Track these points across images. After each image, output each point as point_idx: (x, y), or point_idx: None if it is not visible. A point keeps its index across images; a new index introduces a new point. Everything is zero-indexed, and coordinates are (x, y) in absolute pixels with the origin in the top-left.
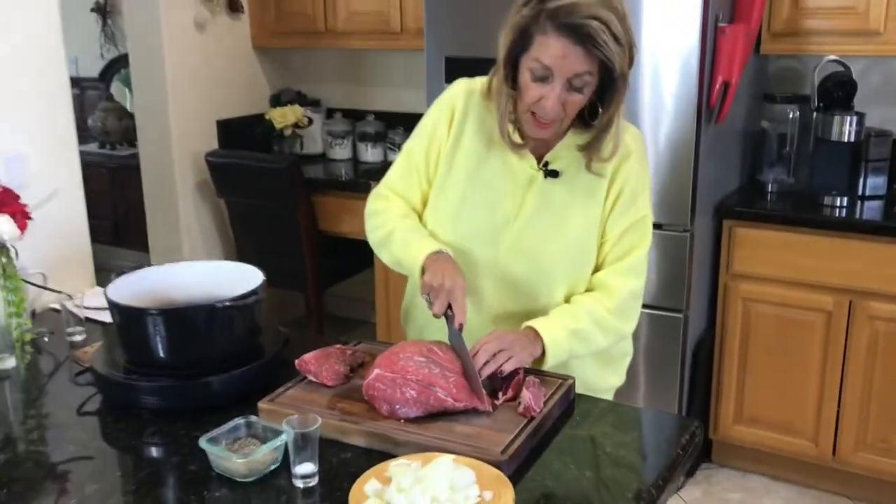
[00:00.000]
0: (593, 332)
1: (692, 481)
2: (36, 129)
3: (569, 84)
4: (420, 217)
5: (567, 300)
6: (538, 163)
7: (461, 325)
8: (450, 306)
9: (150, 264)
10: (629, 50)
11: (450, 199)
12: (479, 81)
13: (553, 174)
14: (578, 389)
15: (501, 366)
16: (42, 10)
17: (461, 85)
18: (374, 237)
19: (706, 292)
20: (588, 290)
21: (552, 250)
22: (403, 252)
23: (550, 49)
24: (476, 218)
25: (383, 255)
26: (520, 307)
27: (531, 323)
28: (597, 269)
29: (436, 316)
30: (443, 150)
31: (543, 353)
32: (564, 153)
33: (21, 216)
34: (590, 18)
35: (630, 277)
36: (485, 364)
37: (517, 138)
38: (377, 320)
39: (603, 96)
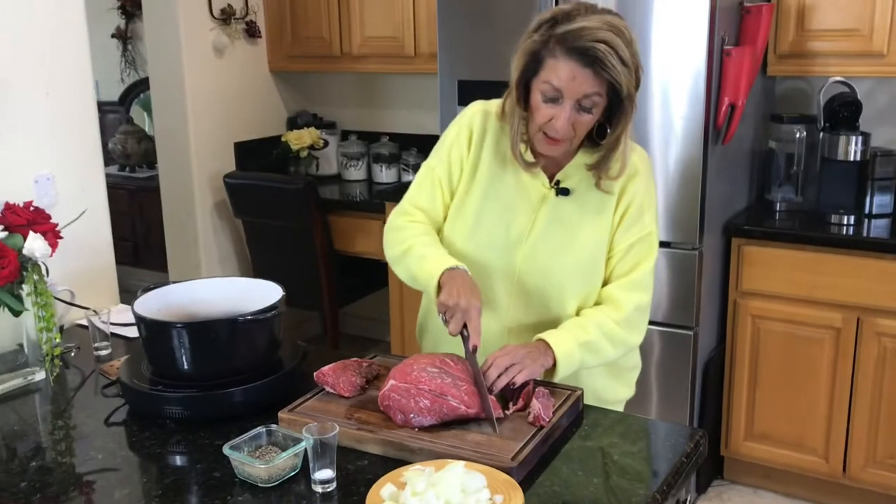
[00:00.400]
0: (602, 344)
1: (704, 498)
2: (65, 151)
3: (578, 105)
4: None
5: (579, 312)
6: (550, 181)
7: (475, 347)
8: (465, 326)
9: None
10: (636, 72)
11: (467, 215)
12: (494, 104)
13: (564, 192)
14: (589, 401)
15: (513, 378)
16: (73, 41)
17: (477, 106)
18: (391, 252)
19: (716, 309)
20: (597, 303)
21: (564, 264)
22: (419, 268)
23: (560, 71)
24: (492, 233)
25: (399, 270)
26: (534, 318)
27: (542, 335)
28: (605, 283)
29: (451, 335)
30: (464, 166)
31: (555, 365)
32: (575, 172)
33: (52, 235)
34: (597, 42)
35: (637, 291)
36: (497, 378)
37: (529, 157)
38: (391, 339)
39: (611, 117)
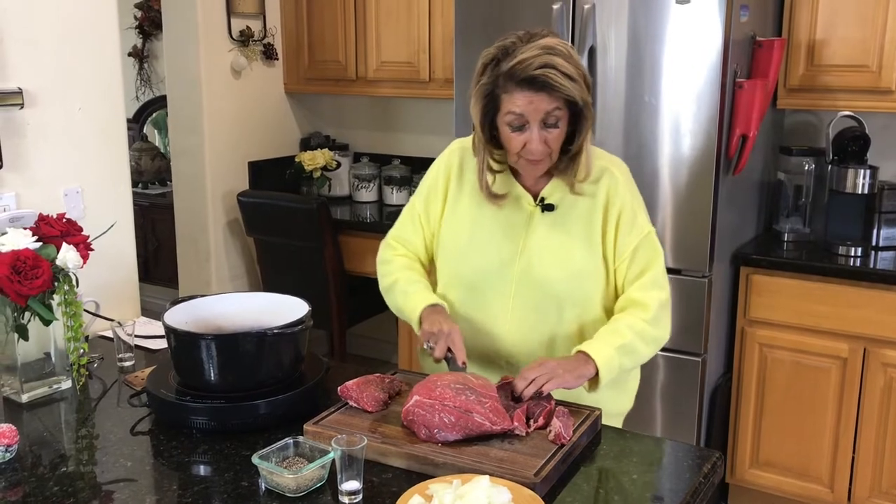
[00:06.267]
0: (637, 345)
1: None
2: (94, 165)
3: (543, 124)
4: (424, 264)
5: (576, 321)
6: (535, 200)
7: (464, 364)
8: (449, 350)
9: None
10: (584, 81)
11: (460, 241)
12: (471, 139)
13: (549, 208)
14: None
15: (542, 386)
16: (106, 58)
17: (456, 144)
18: (381, 284)
19: (724, 337)
20: (620, 309)
21: (558, 277)
22: (404, 302)
23: (517, 100)
24: (486, 255)
25: (388, 301)
26: (533, 332)
27: (580, 347)
28: (620, 288)
29: (436, 360)
30: (442, 204)
31: (597, 373)
32: (556, 189)
33: (83, 247)
34: (541, 68)
35: (655, 290)
36: (525, 388)
37: (497, 189)
38: (399, 361)
39: (575, 126)
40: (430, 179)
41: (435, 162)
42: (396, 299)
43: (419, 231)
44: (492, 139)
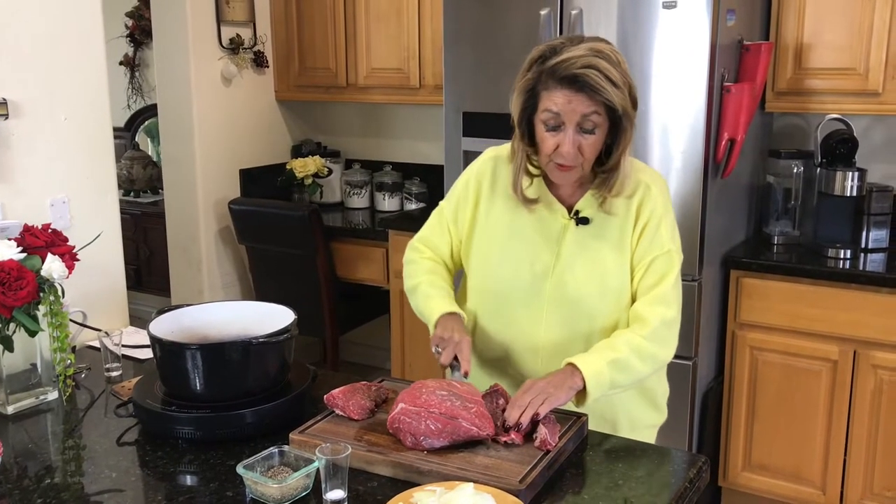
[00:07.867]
0: (632, 361)
1: None
2: (80, 175)
3: (580, 128)
4: (449, 269)
5: (610, 325)
6: (569, 213)
7: (466, 373)
8: (456, 357)
9: None
10: (629, 91)
11: (492, 253)
12: (505, 148)
13: (584, 221)
14: (624, 427)
15: (537, 409)
16: (92, 67)
17: (489, 153)
18: (405, 284)
19: (714, 340)
20: (626, 324)
21: (592, 293)
22: (424, 305)
23: (556, 99)
24: (517, 270)
25: (411, 302)
26: (565, 341)
27: (569, 359)
28: (633, 299)
29: (442, 366)
30: (472, 212)
31: (585, 387)
32: (592, 201)
33: (69, 257)
34: (585, 68)
35: (661, 306)
36: (521, 415)
37: (530, 193)
38: (392, 367)
39: (614, 138)
40: (461, 186)
41: (467, 169)
42: (418, 301)
43: (446, 236)
44: (527, 139)
